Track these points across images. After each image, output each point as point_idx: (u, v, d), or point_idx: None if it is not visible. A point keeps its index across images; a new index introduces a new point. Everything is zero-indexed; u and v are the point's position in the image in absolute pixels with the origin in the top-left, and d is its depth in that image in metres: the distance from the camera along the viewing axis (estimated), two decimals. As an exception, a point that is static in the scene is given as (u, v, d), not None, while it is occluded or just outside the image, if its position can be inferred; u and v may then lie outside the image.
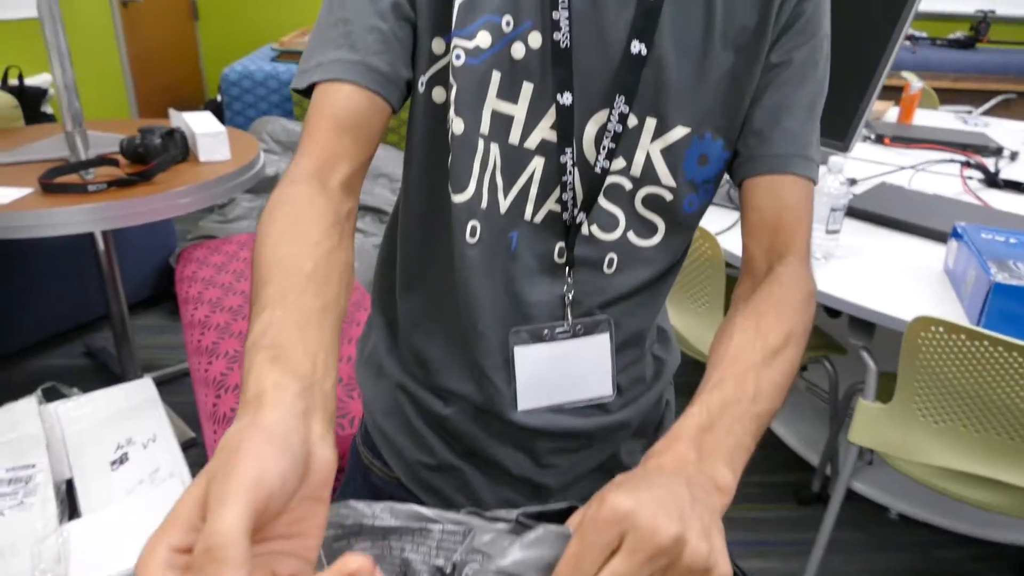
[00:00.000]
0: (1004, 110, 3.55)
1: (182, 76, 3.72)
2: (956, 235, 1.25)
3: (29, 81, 2.41)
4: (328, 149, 0.56)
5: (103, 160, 1.62)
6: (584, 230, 0.62)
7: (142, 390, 1.19)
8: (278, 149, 2.70)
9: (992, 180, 1.77)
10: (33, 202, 1.45)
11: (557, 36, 0.56)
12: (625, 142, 0.59)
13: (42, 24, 1.58)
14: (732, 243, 1.35)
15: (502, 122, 0.59)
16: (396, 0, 0.58)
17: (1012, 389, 1.03)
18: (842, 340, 1.52)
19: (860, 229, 1.46)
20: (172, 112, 1.87)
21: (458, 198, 0.61)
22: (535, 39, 0.57)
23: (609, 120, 0.58)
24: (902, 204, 1.53)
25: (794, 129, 0.61)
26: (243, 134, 1.95)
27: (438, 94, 0.61)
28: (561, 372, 0.66)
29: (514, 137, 0.59)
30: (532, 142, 0.60)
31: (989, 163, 1.89)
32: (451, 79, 0.58)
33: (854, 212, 1.50)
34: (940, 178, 1.79)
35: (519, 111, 0.59)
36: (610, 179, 0.61)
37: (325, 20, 0.59)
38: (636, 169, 0.60)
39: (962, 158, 1.85)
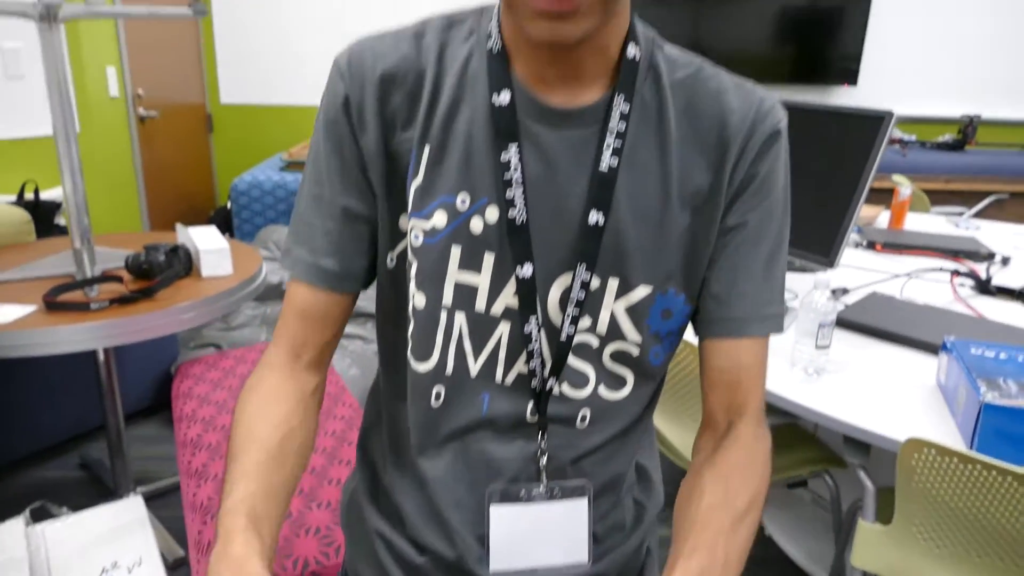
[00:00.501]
0: (997, 210, 3.62)
1: (194, 185, 3.85)
2: (946, 349, 1.26)
3: (45, 194, 2.50)
4: (295, 338, 0.66)
5: (107, 277, 1.66)
6: (555, 391, 0.63)
7: (132, 509, 1.18)
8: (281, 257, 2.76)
9: (984, 287, 1.78)
10: (36, 320, 1.48)
11: (512, 213, 0.59)
12: (589, 303, 0.62)
13: (56, 143, 1.66)
14: (723, 358, 1.35)
15: (466, 292, 0.62)
16: (346, 204, 0.63)
17: (1011, 514, 1.00)
18: (842, 453, 1.50)
19: (852, 341, 1.47)
20: (179, 227, 1.93)
21: (421, 367, 0.64)
22: (492, 213, 0.60)
23: (572, 286, 0.60)
24: (893, 315, 1.54)
25: (751, 291, 0.63)
26: (246, 247, 2.00)
27: (406, 262, 0.64)
28: (536, 535, 0.66)
29: (480, 305, 0.62)
30: (497, 309, 0.62)
31: (980, 269, 1.91)
32: (411, 257, 0.62)
33: (846, 324, 1.51)
34: (932, 285, 1.81)
35: (482, 280, 0.61)
36: (577, 338, 0.62)
37: (295, 211, 0.67)
38: (602, 327, 0.62)
39: (952, 266, 1.88)
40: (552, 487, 0.65)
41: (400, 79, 0.61)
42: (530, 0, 0.51)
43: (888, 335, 1.47)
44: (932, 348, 1.39)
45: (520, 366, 0.63)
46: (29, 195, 2.46)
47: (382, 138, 0.62)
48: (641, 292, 0.61)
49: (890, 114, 1.26)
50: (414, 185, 0.61)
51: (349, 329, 2.64)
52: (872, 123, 1.27)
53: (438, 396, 0.64)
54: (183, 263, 1.72)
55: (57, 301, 1.53)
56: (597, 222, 0.59)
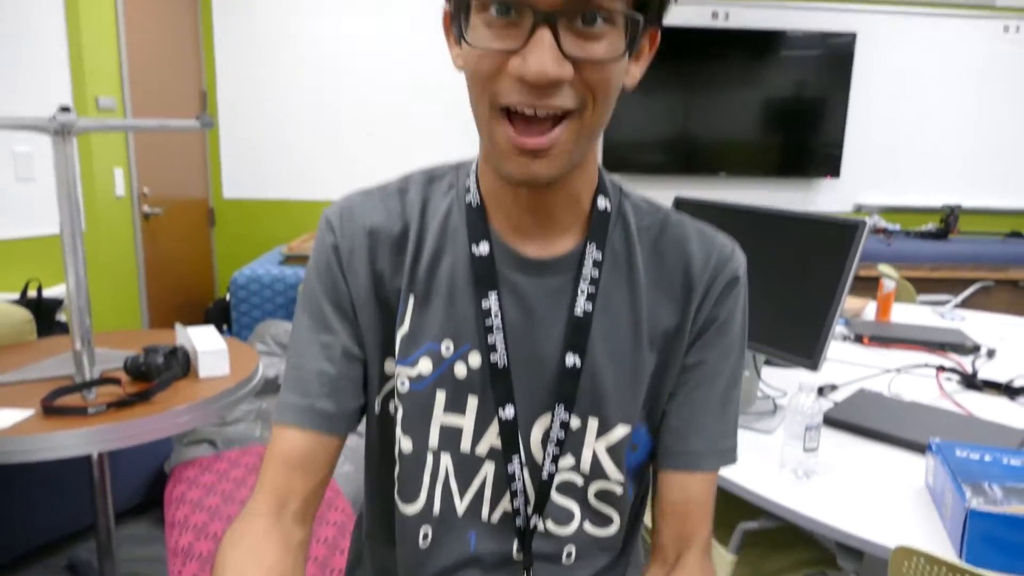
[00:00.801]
0: (984, 297, 3.68)
1: (194, 277, 3.91)
2: (932, 450, 1.27)
3: (48, 292, 2.54)
4: (281, 487, 0.64)
5: (106, 380, 1.69)
6: (539, 528, 0.66)
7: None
8: (279, 351, 2.79)
9: (970, 382, 1.81)
10: (33, 426, 1.50)
11: (494, 357, 0.63)
12: (571, 442, 0.65)
13: (63, 247, 1.71)
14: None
15: (452, 433, 0.65)
16: (345, 345, 0.66)
17: (1004, 624, 1.00)
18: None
19: (841, 440, 1.48)
20: (177, 327, 1.96)
21: (408, 508, 0.66)
22: (475, 359, 0.64)
23: (551, 427, 0.64)
24: (881, 413, 1.57)
25: (707, 426, 0.67)
26: (243, 346, 2.03)
27: (392, 409, 0.67)
28: None
29: (465, 445, 0.65)
30: (482, 449, 0.65)
31: (967, 362, 1.94)
32: (397, 402, 0.65)
33: (834, 422, 1.53)
34: (920, 380, 1.84)
35: (467, 422, 0.65)
36: (562, 476, 0.65)
37: (287, 360, 0.68)
38: (585, 466, 0.65)
39: (938, 360, 1.91)
40: None
41: (386, 233, 0.66)
42: (509, 139, 0.56)
43: (876, 434, 1.48)
44: (920, 448, 1.41)
45: (505, 504, 0.65)
46: (32, 293, 2.51)
47: (372, 287, 0.66)
48: (620, 432, 0.65)
49: (863, 223, 1.32)
50: (400, 333, 0.65)
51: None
52: (848, 231, 1.33)
53: (425, 536, 0.66)
54: (181, 365, 1.75)
55: (55, 406, 1.55)
56: (574, 364, 0.63)
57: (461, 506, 0.65)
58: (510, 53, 0.54)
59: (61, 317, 2.62)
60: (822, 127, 4.15)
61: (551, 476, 0.64)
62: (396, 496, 0.66)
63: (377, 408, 0.67)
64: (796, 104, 4.12)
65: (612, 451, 0.65)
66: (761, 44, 4.04)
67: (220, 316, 3.73)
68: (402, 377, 0.64)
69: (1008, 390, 1.77)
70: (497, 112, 0.57)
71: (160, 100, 3.31)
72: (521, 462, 0.64)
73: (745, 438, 1.45)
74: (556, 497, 0.65)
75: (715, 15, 4.08)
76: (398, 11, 4.01)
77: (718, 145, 4.14)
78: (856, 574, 1.23)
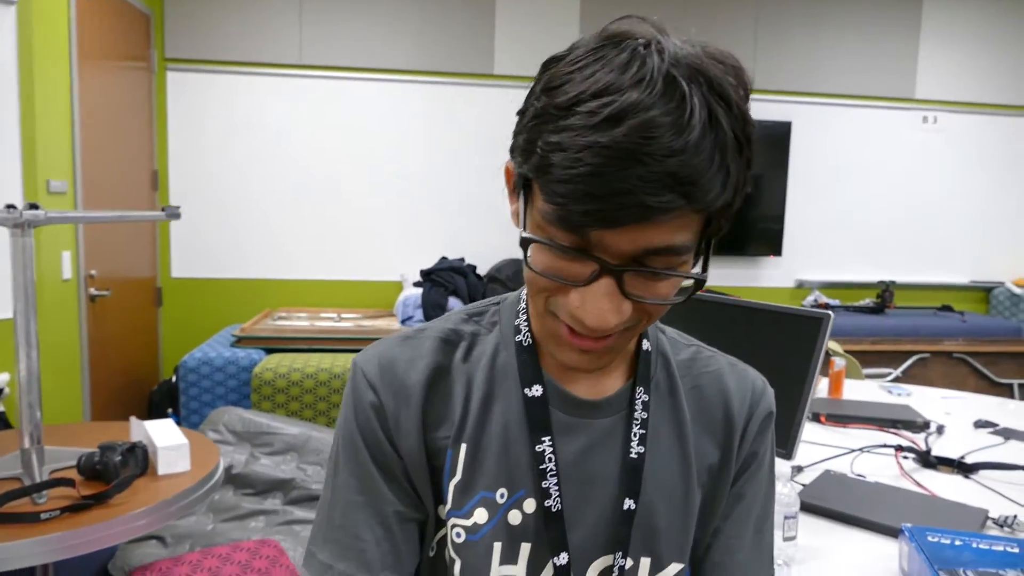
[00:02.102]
0: (921, 368, 3.85)
1: (139, 359, 3.77)
2: (904, 535, 1.31)
3: (-17, 381, 2.41)
4: None
5: (58, 481, 1.60)
6: None
7: None
8: (233, 440, 2.69)
9: (926, 460, 1.88)
10: (-21, 536, 1.40)
11: (548, 503, 0.62)
12: None
13: (16, 338, 1.63)
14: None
15: None
16: (397, 509, 0.63)
17: None
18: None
19: (815, 526, 1.51)
20: (133, 421, 1.88)
21: None
22: (529, 505, 0.63)
23: (612, 571, 0.63)
24: (848, 496, 1.60)
25: (744, 560, 0.68)
26: (202, 439, 1.96)
27: (448, 559, 0.65)
28: None
29: None
30: None
31: (919, 439, 2.01)
32: (452, 554, 0.64)
33: (806, 507, 1.55)
34: (878, 459, 1.90)
35: (520, 570, 0.63)
36: None
37: (328, 521, 0.63)
38: None
39: (893, 440, 1.98)
40: None
41: (432, 383, 0.64)
42: (564, 334, 0.55)
43: (848, 518, 1.52)
44: (892, 531, 1.44)
45: None
46: (-32, 384, 2.38)
47: (421, 440, 0.63)
48: (673, 570, 0.65)
49: (827, 316, 1.38)
50: (452, 483, 0.63)
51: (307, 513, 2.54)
52: (812, 323, 1.39)
53: None
54: (139, 463, 1.67)
55: (3, 512, 1.45)
56: (630, 507, 0.63)
57: None
58: (571, 284, 0.54)
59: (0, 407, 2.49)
60: (764, 209, 4.36)
61: None
62: None
63: (431, 553, 0.65)
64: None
65: None
66: (703, 129, 4.25)
67: (166, 400, 3.59)
68: (457, 528, 0.62)
69: (961, 467, 1.84)
70: (551, 314, 0.57)
71: (112, 181, 3.26)
72: None
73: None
74: None
75: (660, 103, 4.29)
76: (348, 96, 4.09)
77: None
78: (842, 666, 1.23)
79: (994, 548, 1.25)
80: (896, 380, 2.70)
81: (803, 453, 1.92)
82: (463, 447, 0.64)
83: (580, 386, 0.65)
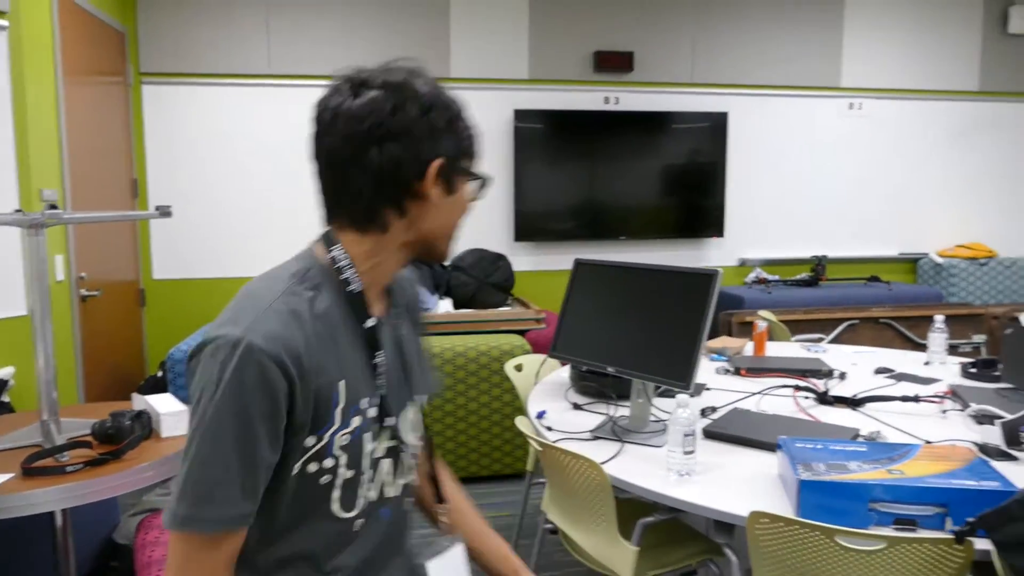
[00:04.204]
0: (851, 333, 4.20)
1: (126, 356, 4.00)
2: (780, 447, 1.63)
3: (-10, 374, 2.65)
4: None
5: (77, 443, 1.86)
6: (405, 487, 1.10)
7: None
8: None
9: (823, 398, 2.21)
10: (16, 486, 1.66)
11: (381, 392, 1.00)
12: (419, 422, 1.13)
13: (33, 329, 1.89)
14: (615, 469, 1.67)
15: (370, 451, 0.99)
16: (269, 460, 0.87)
17: (837, 567, 1.33)
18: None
19: (717, 449, 1.82)
20: (135, 396, 2.14)
21: (348, 514, 0.97)
22: (375, 399, 0.99)
23: (413, 417, 1.11)
24: (749, 424, 1.92)
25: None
26: (198, 409, 2.22)
27: (311, 468, 0.92)
28: None
29: (377, 454, 1.01)
30: (381, 451, 1.01)
31: (820, 384, 2.34)
32: (338, 451, 0.93)
33: (712, 435, 1.87)
34: (783, 400, 2.22)
35: (378, 443, 1.01)
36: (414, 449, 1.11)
37: (197, 477, 0.84)
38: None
39: (794, 383, 2.30)
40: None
41: (308, 344, 0.88)
42: (444, 250, 1.01)
43: (744, 440, 1.83)
44: (774, 448, 1.76)
45: (398, 482, 1.06)
46: (-24, 376, 2.61)
47: (312, 391, 0.88)
48: (424, 396, 1.14)
49: (717, 273, 1.69)
50: (339, 409, 0.92)
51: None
52: (705, 280, 1.70)
53: (357, 528, 0.99)
54: (146, 427, 1.94)
55: (34, 467, 1.71)
56: (409, 374, 1.10)
57: (377, 495, 1.01)
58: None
59: (5, 398, 2.72)
60: (707, 193, 4.70)
61: (409, 449, 1.06)
62: (337, 509, 0.95)
63: (295, 471, 0.91)
64: (684, 175, 4.66)
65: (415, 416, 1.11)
66: (650, 123, 4.58)
67: (152, 391, 3.83)
68: (343, 436, 0.93)
69: (852, 403, 2.16)
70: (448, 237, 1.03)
71: (97, 189, 3.49)
72: (403, 448, 1.04)
73: (641, 452, 1.78)
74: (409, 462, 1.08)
75: (607, 100, 4.61)
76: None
77: (619, 212, 4.61)
78: (728, 546, 1.55)
79: (845, 449, 1.57)
80: (818, 343, 3.04)
81: (720, 398, 2.25)
82: (343, 381, 0.92)
83: (375, 311, 1.00)
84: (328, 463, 0.92)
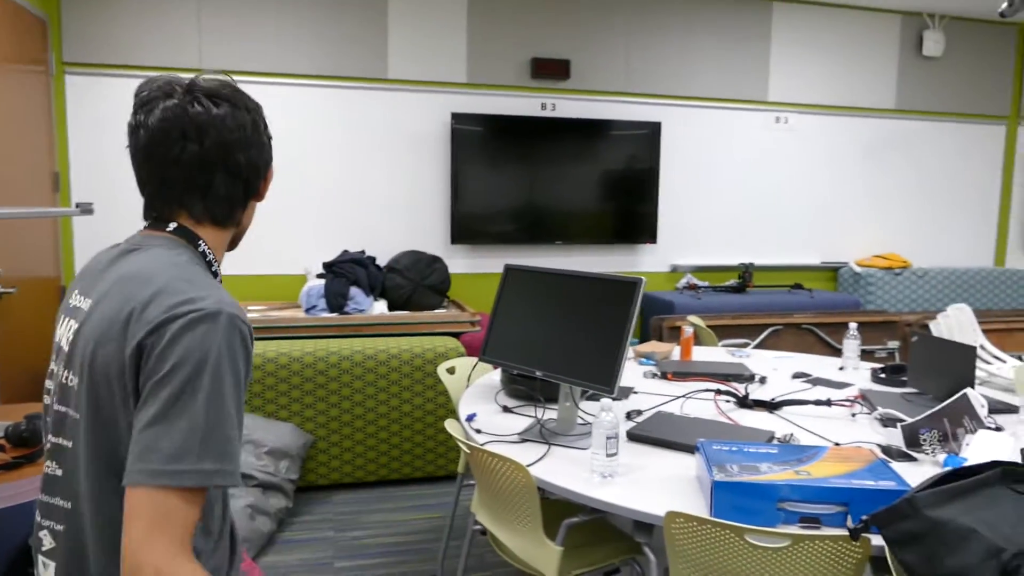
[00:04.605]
0: (775, 339, 4.37)
1: (45, 356, 3.85)
2: (698, 449, 1.69)
3: None
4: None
5: (-11, 448, 1.80)
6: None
7: None
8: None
9: (743, 402, 2.30)
10: (-79, 493, 1.60)
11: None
12: None
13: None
14: (541, 471, 1.71)
15: None
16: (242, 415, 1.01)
17: (747, 565, 1.40)
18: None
19: (639, 451, 1.88)
20: (53, 398, 2.08)
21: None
22: None
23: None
24: (671, 427, 1.99)
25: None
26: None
27: None
28: None
29: None
30: None
31: (741, 388, 2.44)
32: None
33: (635, 437, 1.93)
34: (706, 403, 2.31)
35: None
36: None
37: (221, 432, 0.92)
38: None
39: (716, 387, 2.39)
40: None
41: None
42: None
43: (665, 443, 1.90)
44: (693, 449, 1.83)
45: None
46: None
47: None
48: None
49: (640, 281, 1.75)
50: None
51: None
52: (628, 287, 1.76)
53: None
54: (63, 430, 1.88)
55: (-59, 473, 1.65)
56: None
57: None
58: None
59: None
60: (641, 200, 4.81)
61: None
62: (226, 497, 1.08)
63: None
64: (619, 182, 4.77)
65: None
66: (587, 130, 4.67)
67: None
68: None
69: (770, 406, 2.27)
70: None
71: (13, 182, 3.35)
72: None
73: (567, 454, 1.83)
74: None
75: (543, 106, 4.67)
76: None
77: (555, 216, 4.67)
78: (647, 545, 1.60)
79: (759, 451, 1.65)
80: (755, 349, 3.16)
81: (646, 401, 2.32)
82: None
83: None
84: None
